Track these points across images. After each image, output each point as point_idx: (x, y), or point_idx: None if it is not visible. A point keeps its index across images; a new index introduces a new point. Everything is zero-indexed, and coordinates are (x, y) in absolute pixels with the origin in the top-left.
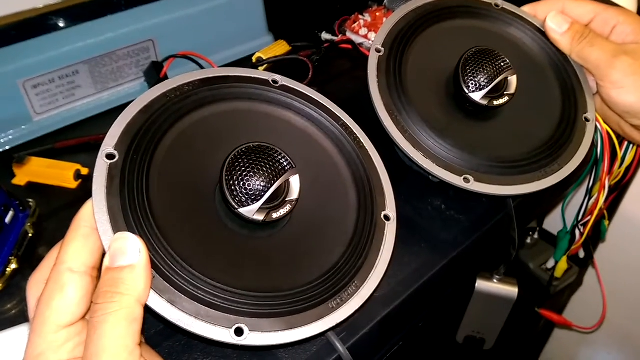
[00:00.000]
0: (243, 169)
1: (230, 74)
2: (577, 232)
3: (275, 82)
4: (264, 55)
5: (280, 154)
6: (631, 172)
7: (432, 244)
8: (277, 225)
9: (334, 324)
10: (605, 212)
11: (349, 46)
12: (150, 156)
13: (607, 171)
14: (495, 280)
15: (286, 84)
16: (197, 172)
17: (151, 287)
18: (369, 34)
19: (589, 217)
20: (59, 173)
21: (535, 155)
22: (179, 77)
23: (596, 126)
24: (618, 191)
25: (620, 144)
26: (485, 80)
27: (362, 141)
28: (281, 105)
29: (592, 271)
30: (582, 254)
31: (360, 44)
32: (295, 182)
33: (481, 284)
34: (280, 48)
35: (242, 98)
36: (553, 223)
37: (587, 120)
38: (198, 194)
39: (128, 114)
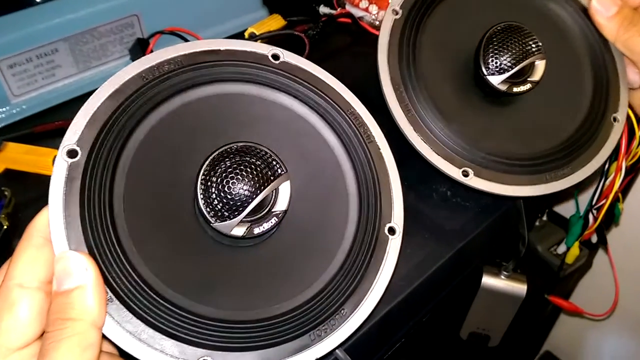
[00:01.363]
0: (222, 176)
1: (222, 47)
2: (590, 216)
3: (275, 57)
4: (257, 30)
5: (270, 156)
6: None
7: (437, 234)
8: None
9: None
10: (620, 195)
11: (349, 20)
12: (118, 154)
13: (625, 152)
14: (503, 277)
15: (289, 61)
16: (174, 172)
17: (107, 311)
18: (370, 7)
19: (603, 201)
20: (38, 159)
21: (547, 155)
22: (160, 51)
23: None
24: (633, 174)
25: (639, 123)
26: (509, 63)
27: (374, 135)
28: (280, 90)
29: (601, 254)
30: (594, 239)
31: (361, 18)
32: (284, 190)
33: (488, 280)
34: (275, 22)
35: (232, 80)
36: (562, 204)
37: (615, 120)
38: (174, 198)
39: (95, 100)
